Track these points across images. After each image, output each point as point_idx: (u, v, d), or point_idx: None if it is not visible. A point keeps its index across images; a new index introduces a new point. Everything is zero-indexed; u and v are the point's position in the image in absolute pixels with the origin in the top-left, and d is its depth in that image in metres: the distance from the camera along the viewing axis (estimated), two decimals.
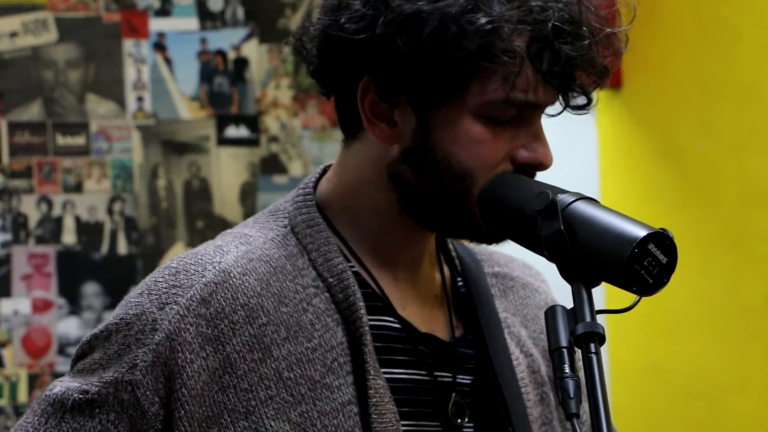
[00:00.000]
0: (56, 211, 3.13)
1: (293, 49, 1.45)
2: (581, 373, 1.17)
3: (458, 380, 1.49)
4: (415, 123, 1.39)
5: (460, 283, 1.59)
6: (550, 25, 1.34)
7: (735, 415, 3.34)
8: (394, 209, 1.45)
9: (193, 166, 3.23)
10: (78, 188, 3.14)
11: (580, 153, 3.71)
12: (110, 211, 3.17)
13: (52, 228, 3.11)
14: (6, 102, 3.07)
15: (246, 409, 1.39)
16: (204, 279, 1.38)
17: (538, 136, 1.39)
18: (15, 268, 3.09)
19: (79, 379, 1.40)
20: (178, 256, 1.49)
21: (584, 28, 1.35)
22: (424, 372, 1.47)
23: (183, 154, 3.23)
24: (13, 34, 3.09)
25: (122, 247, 3.16)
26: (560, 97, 1.38)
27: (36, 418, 1.39)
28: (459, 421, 1.46)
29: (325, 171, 1.47)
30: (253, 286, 1.42)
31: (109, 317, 1.45)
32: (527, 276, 1.48)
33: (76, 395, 1.37)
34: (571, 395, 1.14)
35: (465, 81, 1.35)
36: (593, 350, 1.15)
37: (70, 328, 3.16)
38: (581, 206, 1.25)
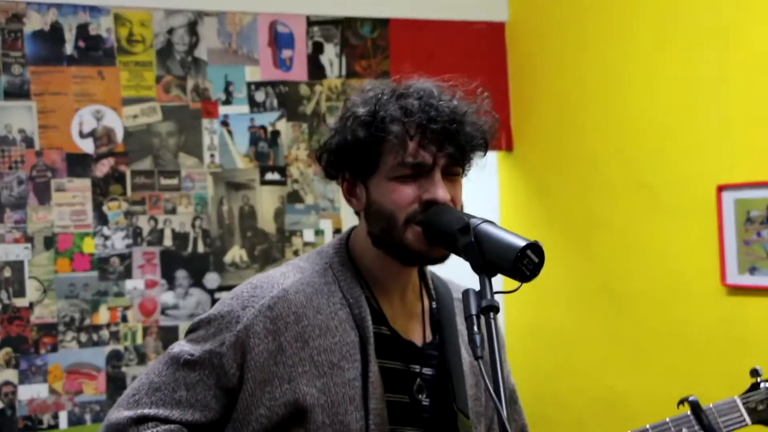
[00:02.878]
0: (160, 225, 3.75)
1: (317, 160, 1.83)
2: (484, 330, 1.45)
3: (423, 371, 1.80)
4: (365, 193, 1.75)
5: (434, 305, 1.87)
6: (419, 114, 1.67)
7: (582, 356, 4.07)
8: (377, 252, 1.77)
9: (245, 198, 3.88)
10: (173, 211, 3.76)
11: (486, 198, 4.52)
12: (193, 226, 3.79)
13: (157, 236, 3.74)
14: (130, 158, 3.70)
15: (289, 377, 1.69)
16: (272, 293, 1.72)
17: (434, 183, 1.68)
18: (134, 261, 3.70)
19: (189, 345, 1.74)
20: (258, 275, 1.81)
21: (444, 114, 1.67)
22: (402, 364, 1.78)
23: (239, 190, 3.86)
24: (135, 116, 3.72)
25: (200, 248, 3.80)
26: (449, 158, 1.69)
27: (161, 365, 1.74)
28: (420, 396, 1.78)
29: (354, 228, 1.84)
30: (301, 300, 1.73)
31: (212, 309, 1.76)
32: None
33: (186, 356, 1.71)
34: (477, 345, 1.42)
35: (375, 158, 1.71)
36: (492, 317, 1.43)
37: (168, 298, 3.76)
38: (485, 226, 1.54)
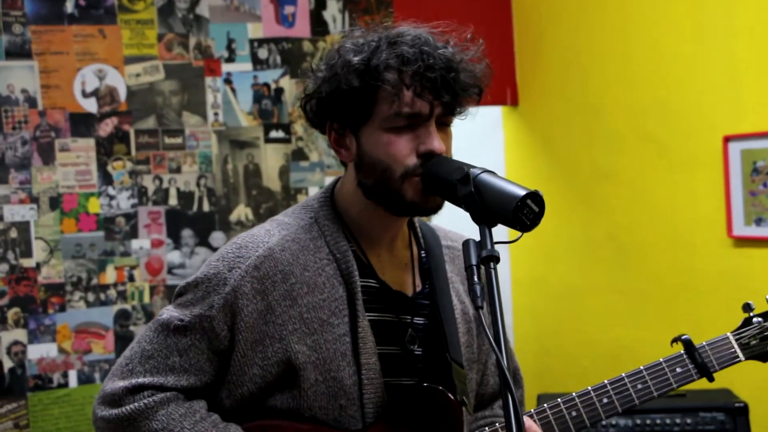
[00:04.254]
0: (165, 185, 3.73)
1: (302, 108, 1.79)
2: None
3: (415, 321, 1.81)
4: (355, 143, 1.72)
5: (423, 255, 1.87)
6: (416, 62, 1.63)
7: (587, 308, 4.06)
8: (367, 203, 1.75)
9: (249, 156, 3.86)
10: (178, 170, 3.74)
11: (491, 153, 4.52)
12: (198, 185, 3.78)
13: (162, 195, 3.72)
14: (133, 117, 3.67)
15: (280, 336, 1.69)
16: (257, 253, 1.72)
17: (430, 134, 1.66)
18: (140, 220, 3.69)
19: (178, 310, 1.74)
20: (242, 234, 1.78)
21: (440, 62, 1.64)
22: (393, 315, 1.79)
23: (243, 148, 3.84)
24: (138, 75, 3.70)
25: (205, 207, 3.78)
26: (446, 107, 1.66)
27: (151, 333, 1.75)
28: (411, 347, 1.79)
29: (338, 180, 1.83)
30: (287, 258, 1.72)
31: (198, 272, 1.75)
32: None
33: (176, 321, 1.72)
34: (478, 294, 1.40)
35: (369, 107, 1.67)
36: (492, 267, 1.42)
37: (174, 257, 3.76)
38: (485, 176, 1.53)
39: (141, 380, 1.71)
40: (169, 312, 1.74)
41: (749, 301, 1.93)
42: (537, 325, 4.30)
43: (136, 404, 1.71)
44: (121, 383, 1.73)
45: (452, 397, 1.74)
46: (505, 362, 1.34)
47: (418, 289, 1.83)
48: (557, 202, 4.09)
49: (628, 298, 3.84)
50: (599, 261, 4.02)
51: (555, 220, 4.08)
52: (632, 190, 3.81)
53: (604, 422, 2.85)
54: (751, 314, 1.93)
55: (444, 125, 1.71)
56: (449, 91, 1.66)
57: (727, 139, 3.35)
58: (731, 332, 1.90)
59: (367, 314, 1.73)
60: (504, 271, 4.50)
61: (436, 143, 1.64)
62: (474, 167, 1.56)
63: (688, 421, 2.99)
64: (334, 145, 1.75)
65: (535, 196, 1.47)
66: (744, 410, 2.99)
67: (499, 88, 4.39)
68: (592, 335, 4.03)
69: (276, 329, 1.68)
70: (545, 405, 1.80)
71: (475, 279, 1.41)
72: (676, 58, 3.57)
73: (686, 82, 3.54)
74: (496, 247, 1.45)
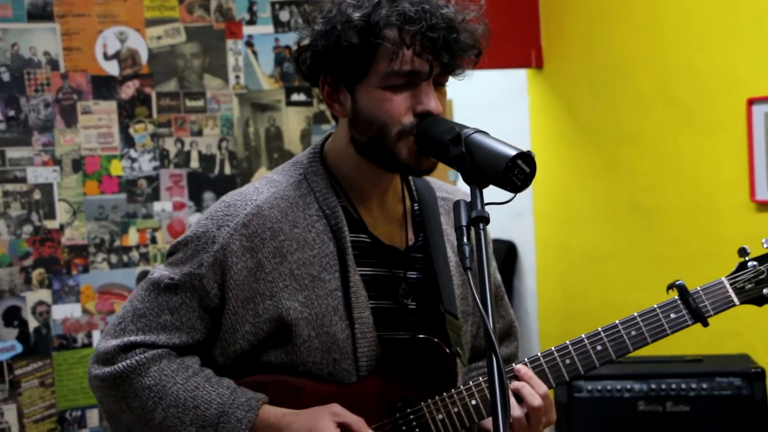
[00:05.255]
0: (186, 147, 3.74)
1: (295, 61, 1.77)
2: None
3: (408, 275, 1.81)
4: (350, 100, 1.70)
5: (416, 208, 1.87)
6: (418, 21, 1.60)
7: (610, 273, 4.09)
8: (359, 160, 1.75)
9: (271, 119, 3.86)
10: (200, 133, 3.74)
11: (516, 116, 4.51)
12: (219, 147, 3.78)
13: (184, 158, 3.73)
14: (154, 80, 3.65)
15: (270, 293, 1.71)
16: (245, 211, 1.72)
17: (427, 94, 1.65)
18: (161, 183, 3.70)
19: (169, 269, 1.76)
20: (232, 192, 1.79)
21: (442, 22, 1.61)
22: (385, 270, 1.80)
23: (264, 111, 3.84)
24: (159, 37, 3.68)
25: (227, 170, 3.78)
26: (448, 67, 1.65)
27: (143, 292, 1.78)
28: (405, 300, 1.80)
29: (329, 137, 1.83)
30: (276, 215, 1.73)
31: (187, 231, 1.77)
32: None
33: (166, 280, 1.74)
34: (467, 255, 1.41)
35: (366, 64, 1.65)
36: (481, 228, 1.44)
37: (196, 220, 3.60)
38: (477, 136, 1.54)
39: (133, 338, 1.73)
40: (160, 271, 1.76)
41: (745, 245, 1.87)
42: (561, 290, 4.30)
43: (128, 361, 1.74)
44: (114, 342, 1.75)
45: (447, 349, 1.75)
46: (491, 324, 1.34)
47: (411, 242, 1.83)
48: (581, 165, 4.09)
49: (651, 263, 3.83)
50: (622, 225, 4.02)
51: (579, 184, 4.07)
52: (656, 153, 3.79)
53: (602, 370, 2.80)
54: (747, 258, 1.87)
55: (439, 84, 1.70)
56: (449, 52, 1.65)
57: (751, 102, 3.31)
58: (726, 276, 1.85)
59: (360, 269, 1.74)
60: (528, 235, 4.50)
61: (433, 104, 1.64)
62: (467, 128, 1.57)
63: (704, 385, 2.98)
64: (327, 100, 1.75)
65: (526, 157, 1.47)
66: (761, 375, 2.97)
67: (524, 50, 4.37)
68: (615, 299, 4.03)
69: (266, 286, 1.70)
70: (538, 354, 1.79)
71: (465, 240, 1.42)
72: (702, 20, 3.54)
73: (711, 43, 3.50)
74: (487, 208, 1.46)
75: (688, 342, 2.60)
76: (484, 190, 1.51)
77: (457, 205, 1.46)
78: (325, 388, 1.73)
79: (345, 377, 1.73)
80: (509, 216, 4.37)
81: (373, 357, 1.74)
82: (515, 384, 1.71)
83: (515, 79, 4.52)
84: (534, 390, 1.70)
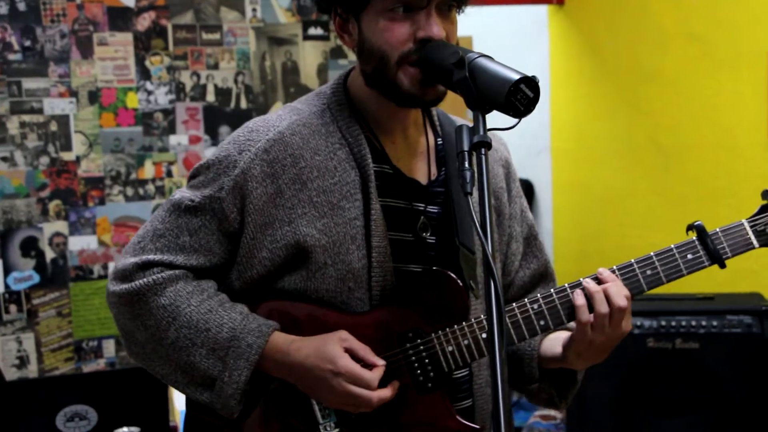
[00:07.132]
0: (202, 81, 3.74)
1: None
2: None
3: (428, 209, 1.80)
4: (357, 29, 1.71)
5: (439, 142, 1.87)
6: None
7: (628, 212, 4.07)
8: (372, 92, 1.75)
9: (288, 53, 3.86)
10: (216, 66, 3.75)
11: (537, 53, 4.46)
12: (236, 81, 3.79)
13: (200, 91, 3.74)
14: (171, 12, 3.65)
15: (289, 219, 1.71)
16: (267, 136, 1.73)
17: (429, 20, 1.63)
18: (177, 116, 3.72)
19: (190, 192, 1.76)
20: (255, 118, 1.80)
21: None
22: (406, 202, 1.79)
23: (281, 45, 3.84)
24: None
25: (243, 104, 3.80)
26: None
27: (164, 212, 1.79)
28: (424, 234, 1.80)
29: (353, 69, 1.83)
30: (297, 142, 1.73)
31: (210, 154, 1.77)
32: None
33: (187, 201, 1.75)
34: (467, 180, 1.39)
35: None
36: (483, 153, 1.42)
37: (211, 154, 3.86)
38: (481, 61, 1.52)
39: (151, 257, 1.74)
40: (181, 192, 1.77)
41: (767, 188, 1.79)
42: (578, 229, 4.29)
43: (145, 279, 1.75)
44: (132, 259, 1.77)
45: (459, 282, 1.74)
46: (489, 249, 1.32)
47: (434, 177, 1.82)
48: (600, 103, 4.06)
49: (669, 202, 3.81)
50: (640, 164, 4.00)
51: (597, 122, 4.05)
52: (676, 91, 3.74)
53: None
54: None
55: (446, 11, 1.68)
56: None
57: None
58: (746, 219, 1.79)
59: (380, 199, 1.75)
60: (545, 174, 4.49)
61: (435, 29, 1.62)
62: (472, 52, 1.54)
63: (714, 323, 2.97)
64: (339, 31, 1.75)
65: (529, 81, 1.45)
66: None
67: None
68: (632, 239, 4.01)
69: (285, 212, 1.70)
70: (552, 290, 1.76)
71: (466, 165, 1.41)
72: None
73: None
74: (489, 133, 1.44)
75: (702, 281, 2.57)
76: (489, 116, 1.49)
77: (459, 129, 1.45)
78: (337, 317, 1.73)
79: (358, 306, 1.74)
80: (527, 155, 4.35)
81: (388, 287, 1.74)
82: (602, 285, 1.70)
83: (536, 15, 4.47)
84: (620, 291, 1.69)
